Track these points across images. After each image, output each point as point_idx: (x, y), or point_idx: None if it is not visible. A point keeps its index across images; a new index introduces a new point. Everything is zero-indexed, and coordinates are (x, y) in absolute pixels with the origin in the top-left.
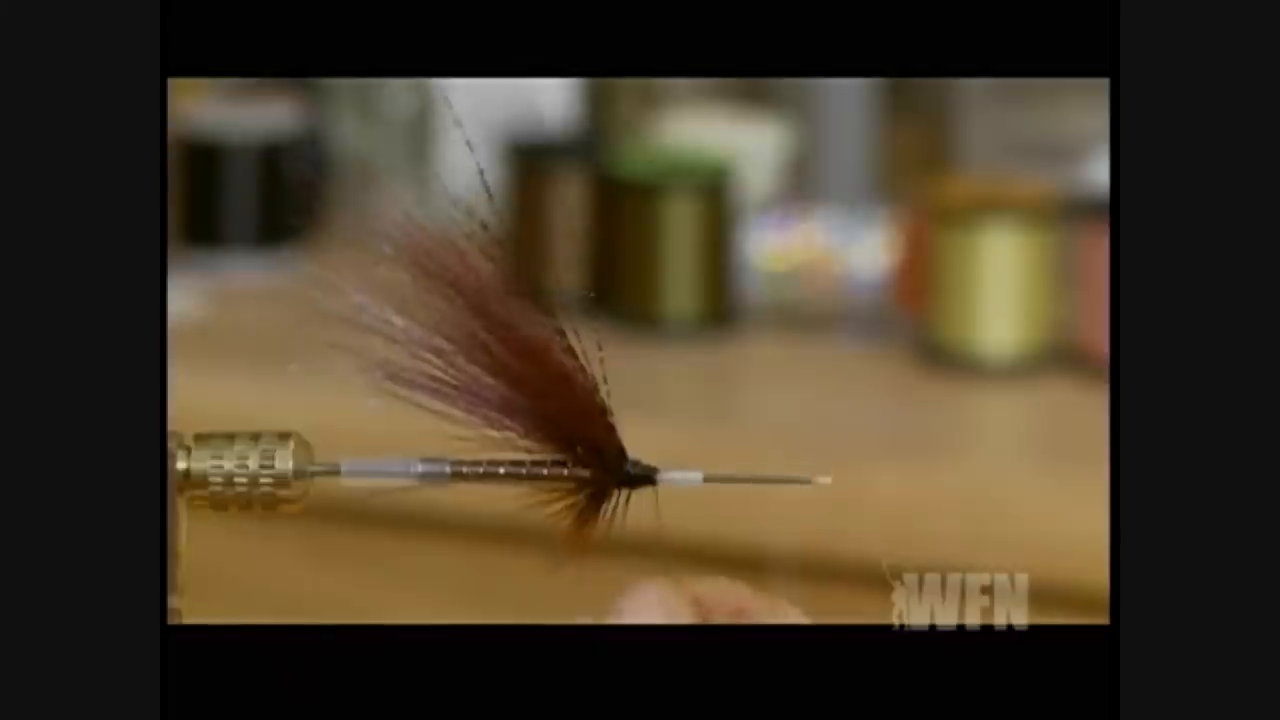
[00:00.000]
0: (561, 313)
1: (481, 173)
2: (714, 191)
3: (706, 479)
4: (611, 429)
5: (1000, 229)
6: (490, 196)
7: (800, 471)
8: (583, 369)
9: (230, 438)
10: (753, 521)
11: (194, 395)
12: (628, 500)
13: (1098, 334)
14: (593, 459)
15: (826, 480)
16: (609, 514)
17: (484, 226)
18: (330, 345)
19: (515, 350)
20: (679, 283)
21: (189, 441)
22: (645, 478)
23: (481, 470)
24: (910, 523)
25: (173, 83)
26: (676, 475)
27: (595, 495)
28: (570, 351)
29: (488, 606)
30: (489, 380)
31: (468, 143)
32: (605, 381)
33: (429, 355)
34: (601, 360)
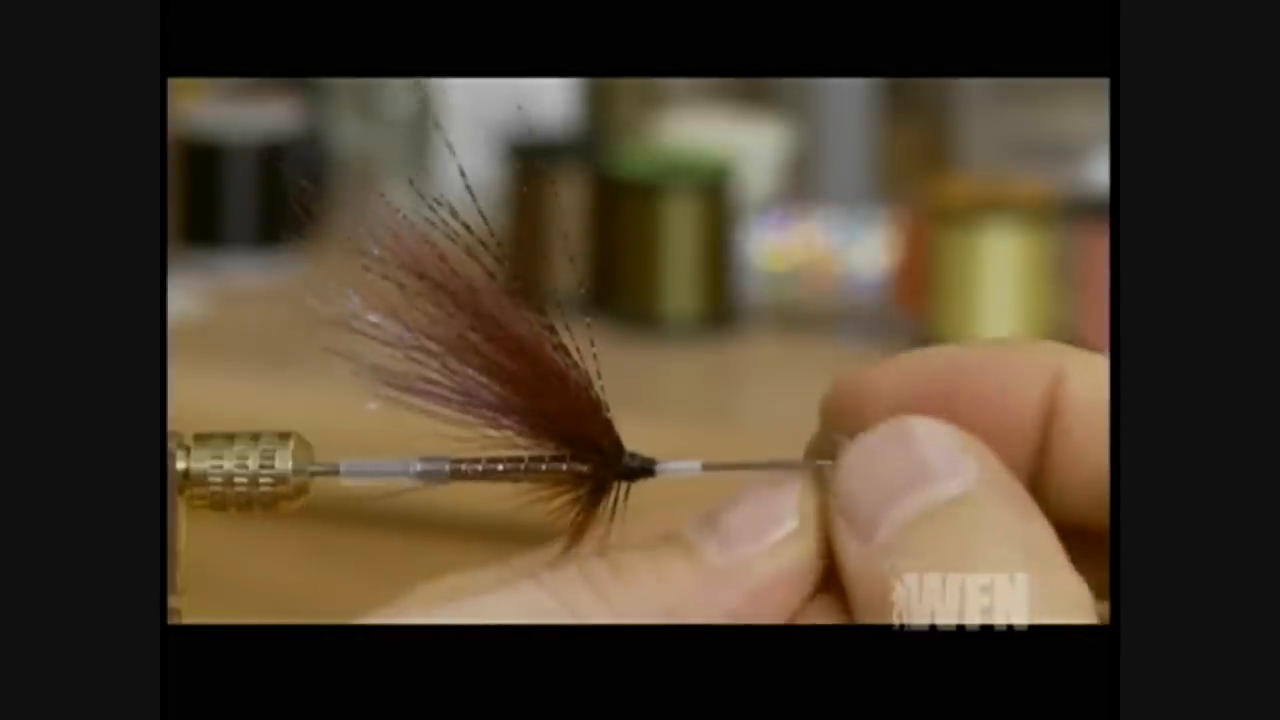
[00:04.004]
0: (554, 309)
1: (463, 173)
2: (714, 191)
3: (705, 467)
4: (608, 423)
5: (1000, 229)
6: (474, 195)
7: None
8: (576, 365)
9: (230, 438)
10: None
11: (194, 395)
12: (627, 493)
13: (1098, 334)
14: (590, 453)
15: (829, 465)
16: (609, 508)
17: (468, 227)
18: (327, 349)
19: (508, 349)
20: (679, 283)
21: (189, 441)
22: (644, 469)
23: (480, 468)
24: None
25: (173, 83)
26: (675, 466)
27: (595, 490)
28: (563, 348)
29: None
30: (483, 380)
31: (448, 142)
32: (600, 376)
33: (423, 357)
34: (596, 356)
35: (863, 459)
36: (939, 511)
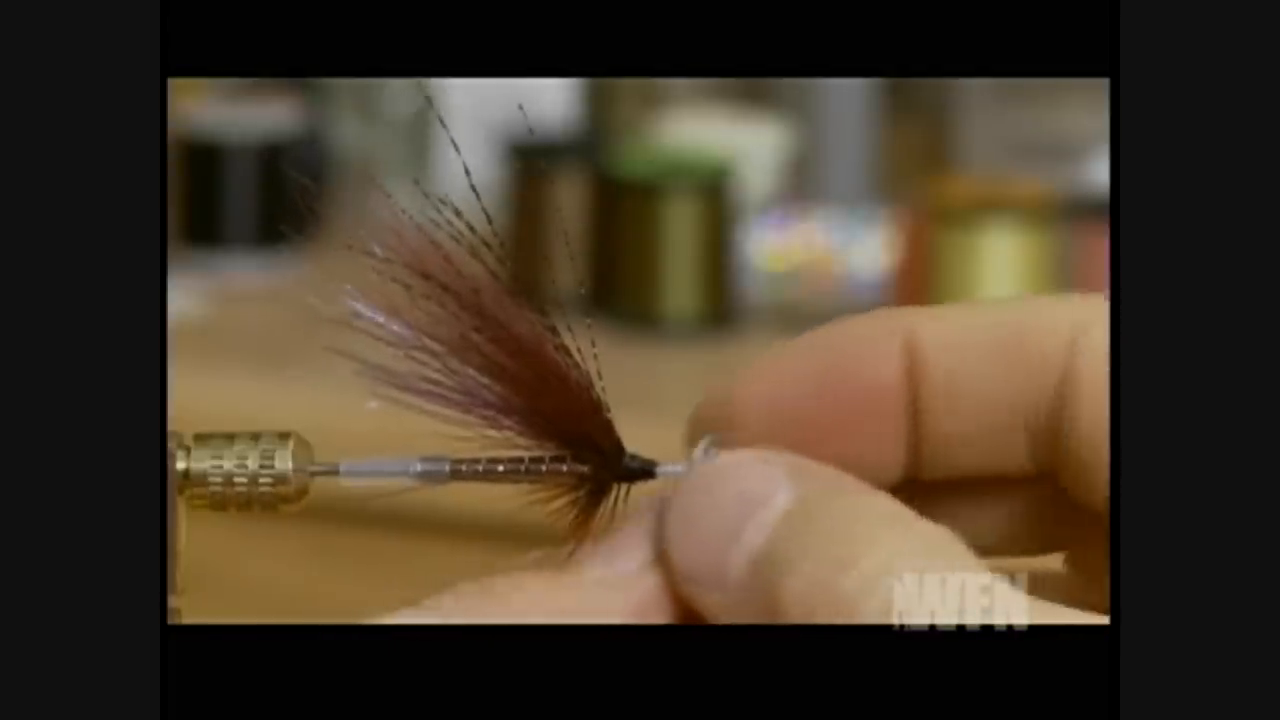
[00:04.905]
0: (555, 310)
1: (468, 172)
2: (714, 191)
3: None
4: (609, 424)
5: (1000, 229)
6: (479, 196)
7: None
8: (577, 365)
9: (230, 438)
10: None
11: (194, 395)
12: (627, 495)
13: None
14: (591, 454)
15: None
16: (609, 509)
17: (470, 227)
18: (327, 349)
19: (509, 349)
20: (679, 282)
21: (189, 441)
22: (644, 471)
23: (480, 468)
24: None
25: (173, 83)
26: (674, 468)
27: (594, 491)
28: (564, 348)
29: None
30: (484, 380)
31: (453, 142)
32: (600, 378)
33: (424, 357)
34: (596, 357)
35: (683, 523)
36: (780, 526)
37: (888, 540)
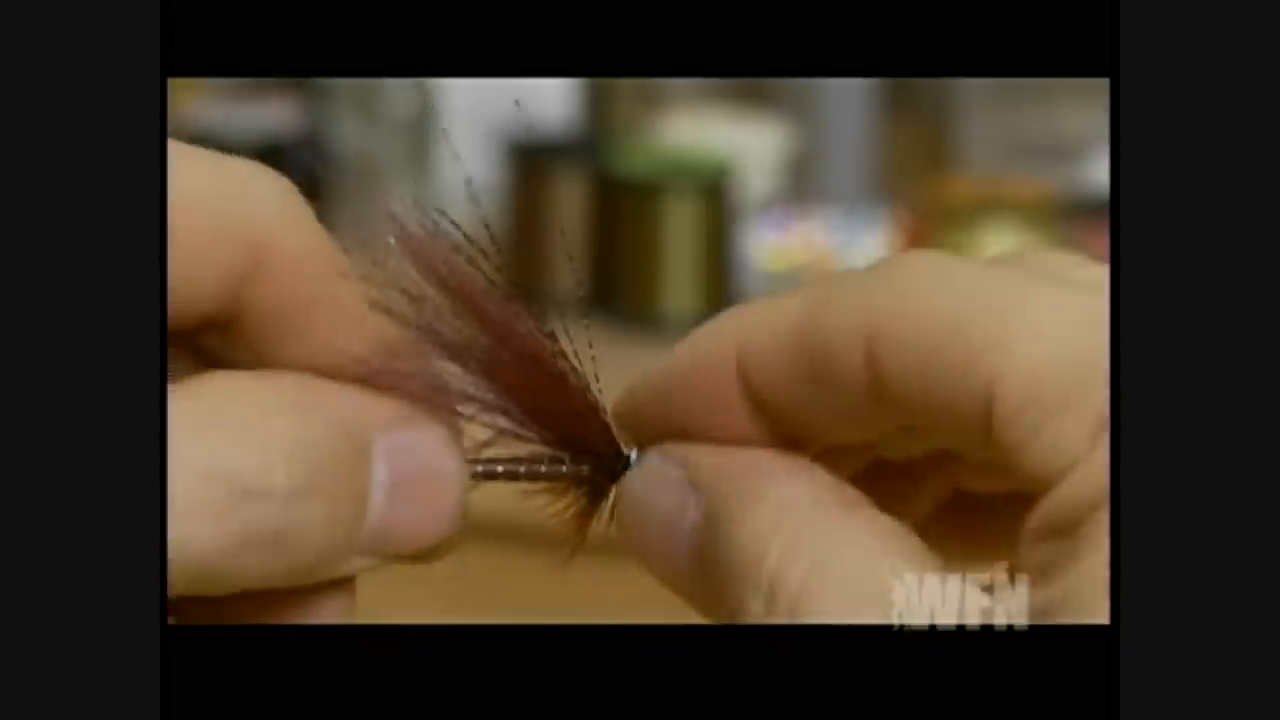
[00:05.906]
0: (554, 311)
1: (468, 174)
2: (714, 191)
3: None
4: (606, 426)
5: (1000, 229)
6: (478, 196)
7: None
8: (575, 368)
9: None
10: None
11: None
12: None
13: None
14: (589, 456)
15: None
16: (608, 510)
17: (471, 229)
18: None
19: (508, 351)
20: (679, 282)
21: None
22: None
23: (480, 469)
24: None
25: (173, 83)
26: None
27: (593, 492)
28: (563, 350)
29: (488, 606)
30: (483, 382)
31: (453, 143)
32: (599, 379)
33: (423, 357)
34: (594, 357)
35: (630, 536)
36: (707, 533)
37: (791, 532)
